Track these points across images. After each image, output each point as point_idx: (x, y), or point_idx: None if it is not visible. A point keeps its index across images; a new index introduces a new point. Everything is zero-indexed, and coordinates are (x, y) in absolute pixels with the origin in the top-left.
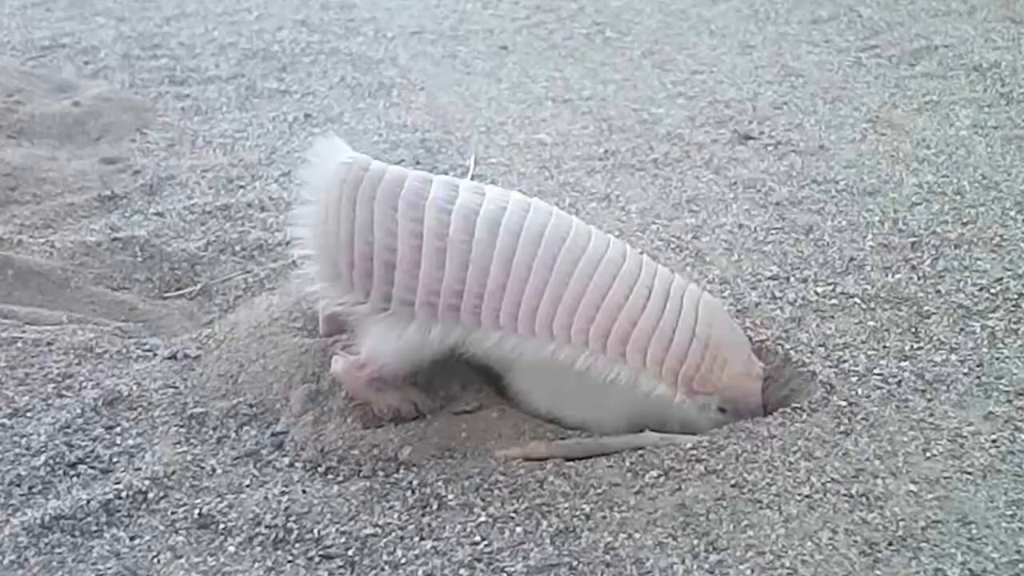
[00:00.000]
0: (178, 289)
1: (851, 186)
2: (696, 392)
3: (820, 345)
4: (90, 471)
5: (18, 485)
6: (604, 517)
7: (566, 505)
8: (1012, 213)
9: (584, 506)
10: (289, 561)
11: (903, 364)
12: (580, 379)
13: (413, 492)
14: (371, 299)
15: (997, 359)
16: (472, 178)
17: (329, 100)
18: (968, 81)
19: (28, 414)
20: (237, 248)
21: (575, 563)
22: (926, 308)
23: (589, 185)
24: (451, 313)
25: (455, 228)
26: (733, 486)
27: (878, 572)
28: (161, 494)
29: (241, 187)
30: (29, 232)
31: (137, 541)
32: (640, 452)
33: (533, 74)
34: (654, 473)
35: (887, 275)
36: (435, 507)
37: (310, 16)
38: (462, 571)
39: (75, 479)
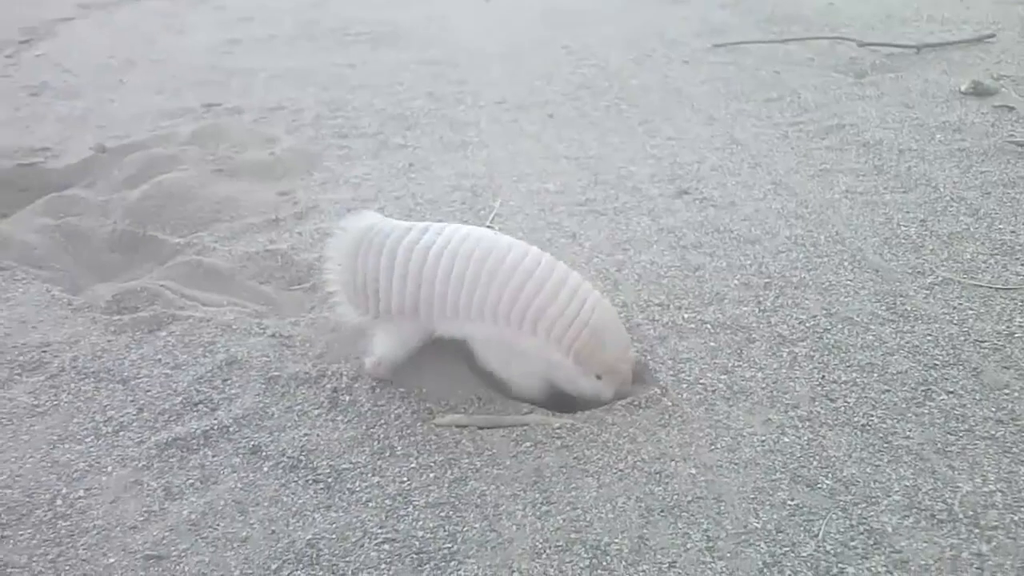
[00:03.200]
0: (299, 285)
1: (741, 235)
2: (581, 362)
3: (670, 359)
4: (204, 409)
5: (162, 414)
6: (488, 472)
7: (467, 461)
8: (846, 264)
9: (477, 462)
10: (294, 481)
11: (722, 377)
12: (512, 350)
13: (378, 442)
14: (371, 312)
15: (790, 378)
16: (494, 217)
17: (428, 153)
18: (856, 154)
19: (182, 367)
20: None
21: (457, 503)
22: (754, 335)
23: (566, 225)
24: (415, 314)
25: (413, 260)
26: (575, 458)
27: (645, 531)
28: (236, 429)
29: (354, 215)
30: (220, 242)
31: (215, 459)
32: (525, 427)
33: (561, 137)
34: (528, 443)
35: (737, 308)
36: (387, 454)
37: (437, 89)
38: (386, 501)
39: (194, 414)
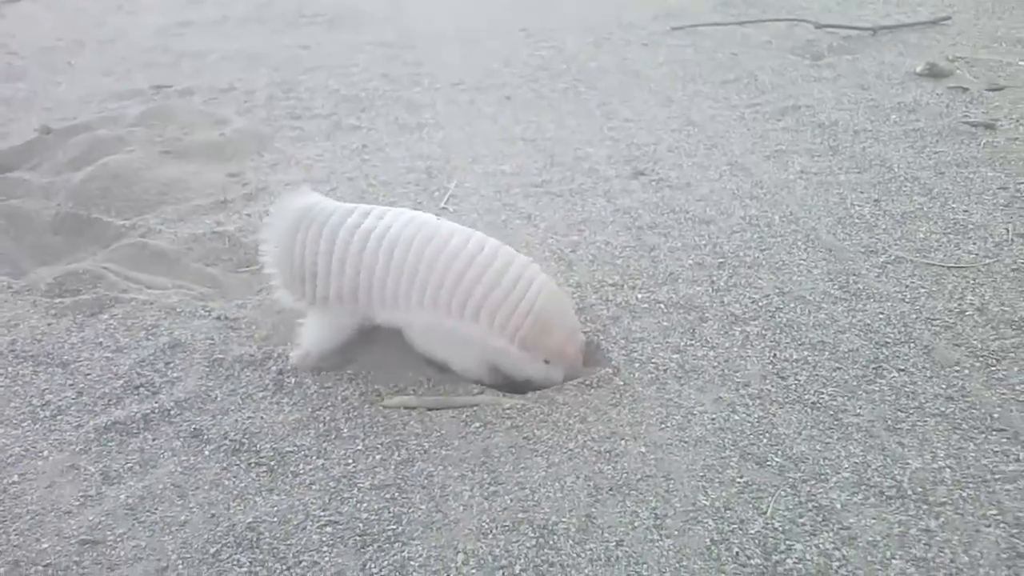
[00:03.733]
0: (247, 267)
1: (696, 216)
2: (527, 349)
3: (623, 338)
4: (145, 393)
5: (102, 398)
6: (435, 453)
7: (415, 442)
8: (800, 244)
9: (425, 443)
10: (236, 464)
11: (674, 356)
12: (453, 338)
13: (324, 424)
14: (306, 297)
15: (741, 357)
16: (448, 198)
17: (382, 134)
18: (811, 135)
19: (124, 351)
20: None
21: (403, 484)
22: (707, 315)
23: (521, 206)
24: (354, 301)
25: (353, 244)
26: (525, 438)
27: (593, 509)
28: (178, 412)
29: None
30: (166, 224)
31: (155, 442)
32: (475, 408)
33: (518, 119)
34: (477, 424)
35: (691, 287)
36: (333, 436)
37: (392, 71)
38: (330, 483)
39: (135, 398)
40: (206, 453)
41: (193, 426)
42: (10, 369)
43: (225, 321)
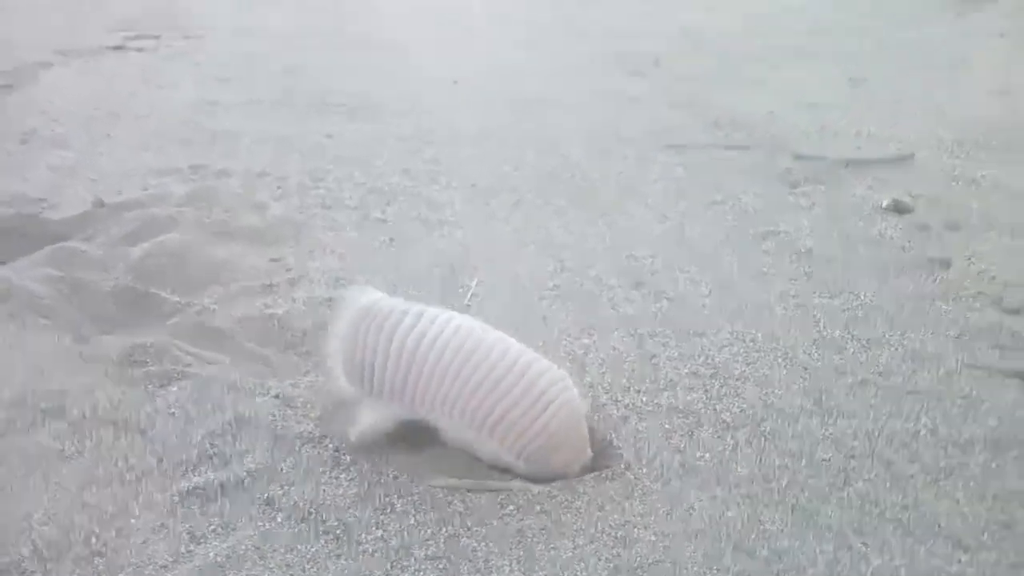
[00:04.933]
0: (294, 349)
1: (689, 328)
2: (532, 464)
3: (632, 437)
4: (218, 463)
5: (179, 465)
6: (477, 531)
7: (459, 521)
8: (779, 361)
9: (468, 522)
10: (306, 531)
11: (676, 456)
12: (474, 445)
13: (379, 499)
14: (364, 389)
15: (733, 460)
16: (471, 296)
17: (407, 229)
18: (789, 261)
19: (194, 422)
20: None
21: (452, 557)
22: (702, 420)
23: (536, 308)
24: (401, 397)
25: (405, 346)
26: (553, 522)
27: None
28: (251, 482)
29: (341, 285)
30: (219, 304)
31: (232, 508)
32: (509, 492)
33: (527, 223)
34: (512, 507)
35: (688, 394)
36: (388, 511)
37: (412, 167)
38: (390, 553)
39: (209, 466)
40: (279, 520)
41: (265, 495)
42: (94, 433)
43: (282, 399)
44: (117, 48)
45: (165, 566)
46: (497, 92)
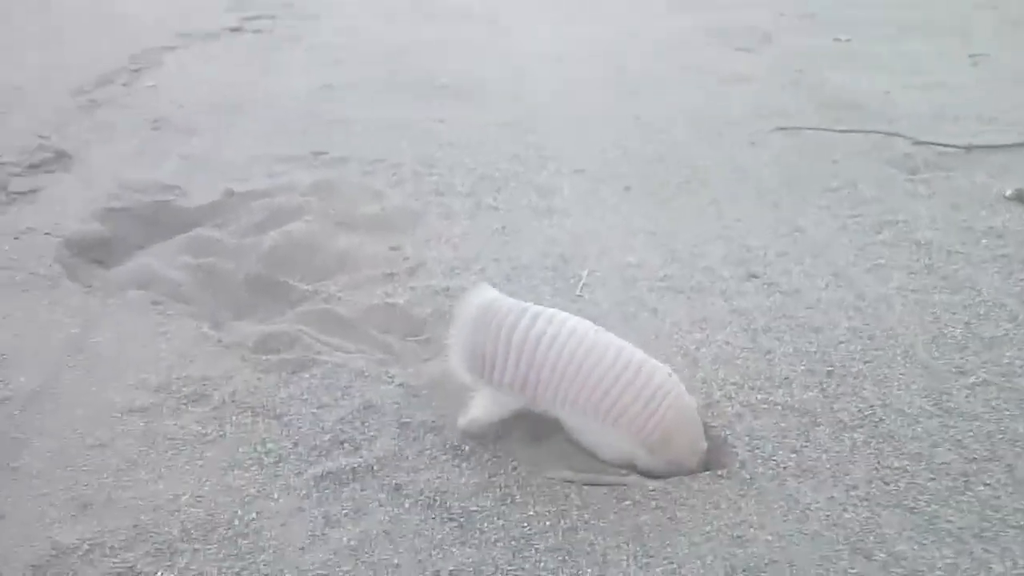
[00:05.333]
0: (414, 336)
1: (805, 323)
2: (653, 453)
3: (747, 435)
4: (349, 448)
5: (314, 449)
6: (595, 524)
7: (576, 513)
8: (899, 359)
9: (585, 515)
10: (432, 518)
11: (791, 456)
12: (598, 435)
13: (500, 489)
14: (483, 379)
15: (850, 461)
16: (582, 287)
17: (518, 217)
18: (908, 252)
19: (326, 408)
20: (447, 317)
21: (571, 549)
22: (819, 420)
23: (647, 300)
24: (521, 391)
25: (526, 345)
26: (668, 518)
27: None
28: (379, 468)
29: (457, 274)
30: (344, 292)
31: (364, 493)
32: (625, 486)
33: (638, 210)
34: (628, 502)
35: (804, 392)
36: (509, 501)
37: (519, 152)
38: (512, 542)
39: (341, 451)
40: (407, 506)
41: (394, 481)
42: (234, 418)
43: (406, 387)
44: (235, 30)
45: (303, 548)
46: (599, 70)
